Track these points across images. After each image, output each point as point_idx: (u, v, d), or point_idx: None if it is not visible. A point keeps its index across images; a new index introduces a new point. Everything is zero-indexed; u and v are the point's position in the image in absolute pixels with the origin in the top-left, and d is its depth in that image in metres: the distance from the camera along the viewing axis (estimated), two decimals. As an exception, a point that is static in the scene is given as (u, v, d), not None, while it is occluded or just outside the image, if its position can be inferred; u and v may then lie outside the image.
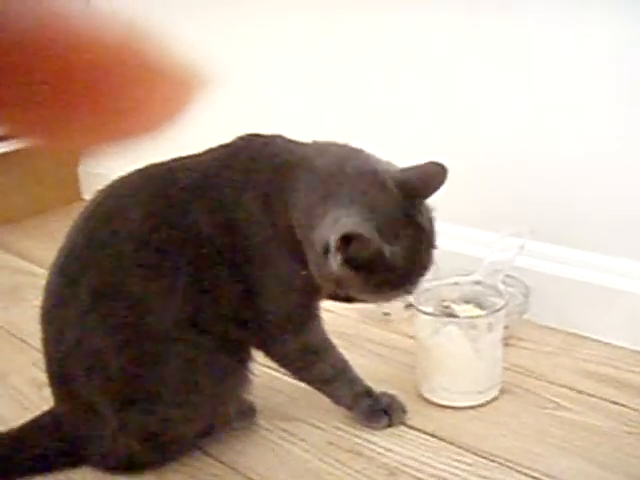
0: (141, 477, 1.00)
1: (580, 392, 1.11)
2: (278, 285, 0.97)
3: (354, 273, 0.91)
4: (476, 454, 0.99)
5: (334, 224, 0.89)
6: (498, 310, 1.07)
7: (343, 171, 0.94)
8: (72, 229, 1.00)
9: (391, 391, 1.09)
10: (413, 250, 0.93)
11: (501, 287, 1.12)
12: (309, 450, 1.04)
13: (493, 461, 0.98)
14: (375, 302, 1.03)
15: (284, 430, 1.08)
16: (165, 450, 1.01)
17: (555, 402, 1.09)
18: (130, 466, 1.00)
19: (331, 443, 1.04)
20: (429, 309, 1.12)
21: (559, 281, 1.25)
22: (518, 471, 0.96)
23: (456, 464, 0.98)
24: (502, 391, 1.11)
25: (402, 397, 1.09)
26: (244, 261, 0.96)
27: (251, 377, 1.03)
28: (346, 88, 1.54)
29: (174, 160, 1.02)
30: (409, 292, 0.98)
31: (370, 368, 1.19)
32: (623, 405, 1.07)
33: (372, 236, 0.87)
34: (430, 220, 0.96)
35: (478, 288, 1.13)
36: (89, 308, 0.94)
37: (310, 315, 1.01)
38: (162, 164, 1.01)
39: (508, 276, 1.24)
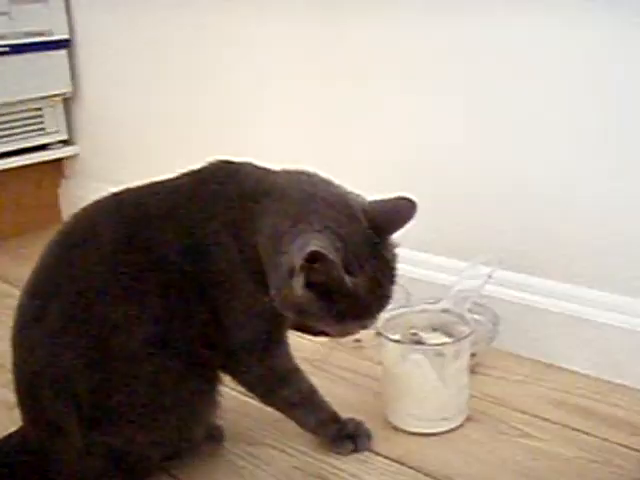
0: (106, 499, 1.00)
1: (547, 420, 1.12)
2: (243, 311, 0.98)
3: (316, 299, 0.91)
4: (440, 481, 1.00)
5: (302, 247, 0.90)
6: (464, 338, 1.09)
7: (314, 199, 0.95)
8: (45, 251, 1.01)
9: (358, 417, 1.10)
10: (376, 282, 0.93)
11: (468, 315, 1.13)
12: (275, 475, 1.04)
13: (456, 488, 0.99)
14: (334, 334, 1.01)
15: (251, 454, 1.08)
16: (131, 472, 1.00)
17: (521, 430, 1.10)
18: (97, 488, 1.00)
19: (297, 468, 1.05)
20: (397, 336, 1.13)
21: (528, 310, 1.27)
22: (481, 498, 0.97)
23: (420, 490, 0.99)
24: (469, 418, 1.12)
25: (369, 423, 1.10)
26: (211, 286, 0.97)
27: (220, 401, 1.04)
28: (311, 117, 1.56)
29: (147, 185, 1.03)
30: (366, 326, 0.98)
31: (339, 394, 1.19)
32: (589, 434, 1.08)
33: (336, 260, 0.89)
34: (394, 255, 0.97)
35: (446, 316, 1.15)
36: (59, 329, 0.94)
37: (276, 341, 1.02)
38: (135, 189, 1.03)
39: (477, 304, 1.26)
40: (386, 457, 1.06)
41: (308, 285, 0.90)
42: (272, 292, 0.95)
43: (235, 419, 1.16)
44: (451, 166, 1.36)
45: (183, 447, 1.04)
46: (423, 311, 1.17)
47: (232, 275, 0.97)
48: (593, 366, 1.21)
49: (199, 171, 1.02)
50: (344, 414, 1.09)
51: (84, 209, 1.02)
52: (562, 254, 1.24)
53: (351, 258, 0.91)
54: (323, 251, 0.87)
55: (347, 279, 0.90)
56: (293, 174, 1.00)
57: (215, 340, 0.98)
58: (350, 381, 1.26)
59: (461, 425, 1.11)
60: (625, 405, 1.14)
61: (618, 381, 1.19)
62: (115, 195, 1.02)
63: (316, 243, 0.88)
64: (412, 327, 1.15)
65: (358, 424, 1.08)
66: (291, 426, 1.08)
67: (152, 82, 1.89)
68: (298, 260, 0.89)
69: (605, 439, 1.06)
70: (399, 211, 0.96)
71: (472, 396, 1.16)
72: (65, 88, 2.03)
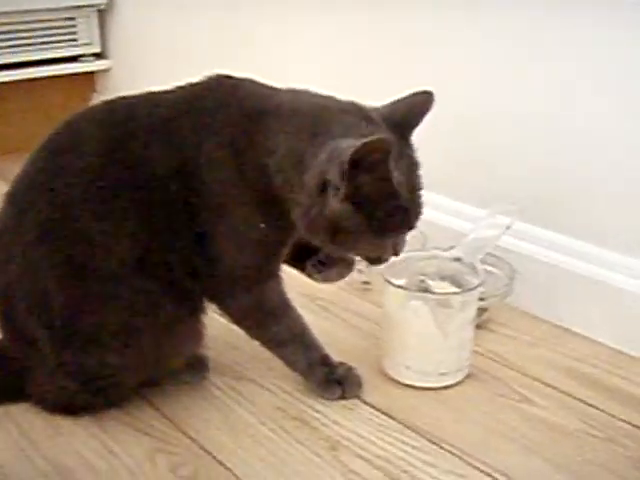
0: (78, 420, 0.97)
1: (552, 388, 1.04)
2: (234, 236, 0.92)
3: (354, 211, 0.84)
4: (426, 438, 0.93)
5: (331, 156, 0.83)
6: (470, 290, 1.01)
7: (327, 111, 0.89)
8: (29, 158, 0.95)
9: (353, 363, 1.04)
10: (411, 183, 0.87)
11: (479, 266, 1.05)
12: (254, 413, 0.99)
13: (442, 448, 0.92)
14: (364, 252, 0.93)
15: (234, 389, 1.03)
16: (104, 395, 0.96)
17: (522, 395, 1.02)
18: (68, 407, 0.97)
19: (278, 408, 0.99)
20: (402, 281, 1.05)
21: (549, 268, 1.17)
22: (465, 461, 0.90)
23: (401, 445, 0.92)
24: (469, 376, 1.05)
25: (362, 370, 1.04)
26: (200, 207, 0.90)
27: (202, 331, 0.98)
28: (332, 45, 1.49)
29: (142, 95, 0.97)
30: (399, 245, 0.92)
31: (338, 336, 1.14)
32: (594, 406, 0.99)
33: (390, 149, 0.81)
34: (417, 158, 0.91)
35: (456, 265, 1.07)
36: (35, 240, 0.90)
37: (267, 274, 0.96)
38: (128, 98, 0.96)
39: (494, 256, 1.18)
40: (374, 407, 0.99)
41: (348, 195, 0.83)
42: (295, 215, 0.88)
43: (224, 351, 1.11)
44: (478, 111, 1.26)
45: (160, 375, 1.00)
46: (433, 257, 1.09)
47: (225, 198, 0.91)
48: (612, 336, 1.12)
49: (195, 85, 0.95)
50: (339, 358, 1.03)
51: (74, 116, 0.96)
52: (591, 214, 1.14)
53: None
54: (375, 138, 0.80)
55: (395, 174, 0.83)
56: (298, 91, 0.93)
57: (198, 267, 0.92)
58: (352, 324, 1.20)
59: (460, 382, 1.04)
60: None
61: (637, 355, 1.10)
62: (106, 104, 0.95)
63: (354, 142, 0.81)
64: (420, 273, 1.08)
65: (349, 369, 1.02)
66: (280, 364, 1.02)
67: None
68: (336, 169, 0.82)
69: (612, 415, 0.98)
70: (415, 105, 0.91)
71: (476, 353, 1.09)
72: (99, -1, 1.97)
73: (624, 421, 0.97)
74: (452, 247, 1.11)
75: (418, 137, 0.93)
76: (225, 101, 0.92)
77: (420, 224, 1.13)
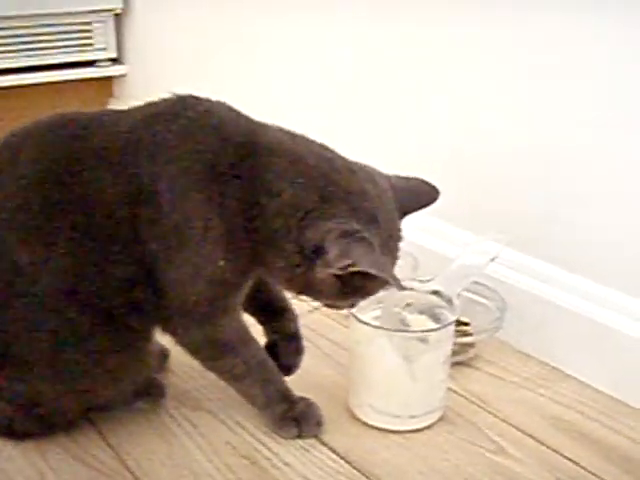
0: (18, 445, 0.91)
1: (531, 437, 0.94)
2: (188, 269, 0.85)
3: (335, 280, 0.84)
4: (382, 489, 0.86)
5: (340, 233, 0.81)
6: (440, 328, 0.92)
7: (336, 169, 0.85)
8: None
9: (320, 397, 0.97)
10: (393, 261, 0.88)
11: (456, 301, 0.96)
12: (203, 447, 0.92)
13: (397, 501, 0.84)
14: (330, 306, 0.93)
15: (188, 420, 0.97)
16: (43, 422, 0.91)
17: (497, 444, 0.93)
18: (9, 433, 0.92)
19: (229, 444, 0.93)
20: (377, 312, 0.98)
21: (543, 303, 1.07)
22: (420, 518, 0.82)
23: (352, 496, 0.85)
24: (441, 419, 0.96)
25: (327, 407, 0.96)
26: (152, 236, 0.84)
27: (148, 360, 0.93)
28: (325, 87, 1.44)
29: (94, 114, 0.91)
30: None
31: (310, 368, 1.06)
32: (575, 462, 0.89)
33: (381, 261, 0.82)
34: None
35: (434, 298, 0.98)
36: None
37: (222, 308, 0.89)
38: (81, 115, 0.91)
39: (485, 286, 1.09)
40: (331, 449, 0.92)
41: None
42: (272, 263, 0.85)
43: (187, 377, 1.05)
44: (475, 141, 1.19)
45: (104, 403, 0.94)
46: (410, 289, 1.00)
47: (185, 228, 0.84)
48: (608, 382, 1.01)
49: (155, 105, 0.88)
50: (307, 390, 0.96)
51: (20, 129, 0.90)
52: (591, 246, 1.04)
53: (383, 241, 0.84)
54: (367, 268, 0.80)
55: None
56: (294, 134, 0.88)
57: (143, 298, 0.86)
58: (326, 353, 1.12)
59: (429, 426, 0.95)
60: (631, 435, 0.94)
61: (634, 405, 0.99)
62: (49, 120, 0.89)
63: (356, 248, 0.80)
64: (397, 305, 1.00)
65: (309, 407, 0.94)
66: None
67: (209, 1, 1.75)
68: (339, 247, 0.80)
69: (595, 474, 0.87)
70: (422, 195, 0.92)
71: (454, 393, 1.01)
72: (116, 3, 1.93)
73: (606, 481, 0.87)
74: (433, 278, 1.03)
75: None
76: (196, 126, 0.85)
77: (412, 248, 1.07)
